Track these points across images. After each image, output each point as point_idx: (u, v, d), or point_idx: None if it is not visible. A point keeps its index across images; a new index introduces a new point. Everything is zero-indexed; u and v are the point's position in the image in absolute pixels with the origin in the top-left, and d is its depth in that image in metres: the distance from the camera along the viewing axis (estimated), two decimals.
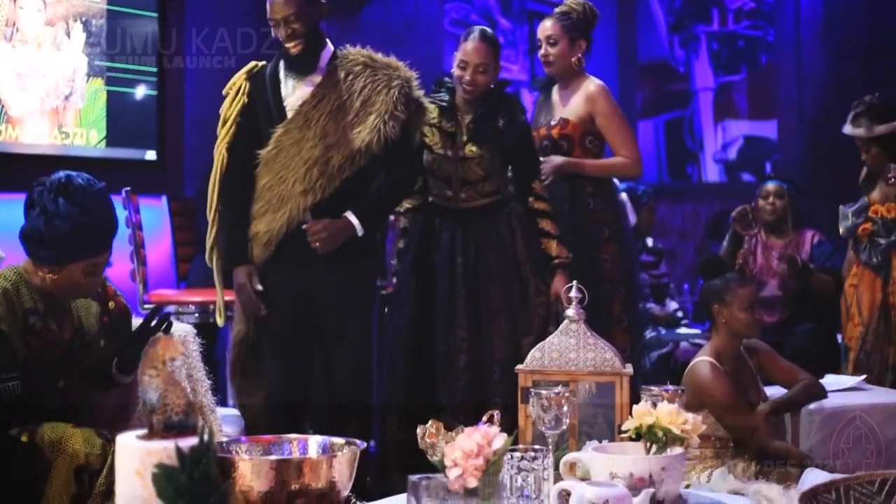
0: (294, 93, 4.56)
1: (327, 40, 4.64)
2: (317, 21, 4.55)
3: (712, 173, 10.14)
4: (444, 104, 4.95)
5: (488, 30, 5.00)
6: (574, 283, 3.34)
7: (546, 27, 5.30)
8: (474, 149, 4.88)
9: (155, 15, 6.42)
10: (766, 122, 9.94)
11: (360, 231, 4.53)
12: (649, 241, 7.41)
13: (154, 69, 6.45)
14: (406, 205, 5.07)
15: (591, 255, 5.13)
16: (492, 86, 4.93)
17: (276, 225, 4.46)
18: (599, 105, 5.28)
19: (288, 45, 4.52)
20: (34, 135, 5.89)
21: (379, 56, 4.63)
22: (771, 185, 6.47)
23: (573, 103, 5.29)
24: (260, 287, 4.47)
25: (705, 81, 10.23)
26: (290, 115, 4.56)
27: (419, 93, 4.64)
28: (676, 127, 10.34)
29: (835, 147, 8.62)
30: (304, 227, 4.47)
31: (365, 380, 4.64)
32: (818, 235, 6.41)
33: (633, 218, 6.64)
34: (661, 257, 7.50)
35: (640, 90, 10.51)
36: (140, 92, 6.44)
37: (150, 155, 6.57)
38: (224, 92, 4.69)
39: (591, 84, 5.31)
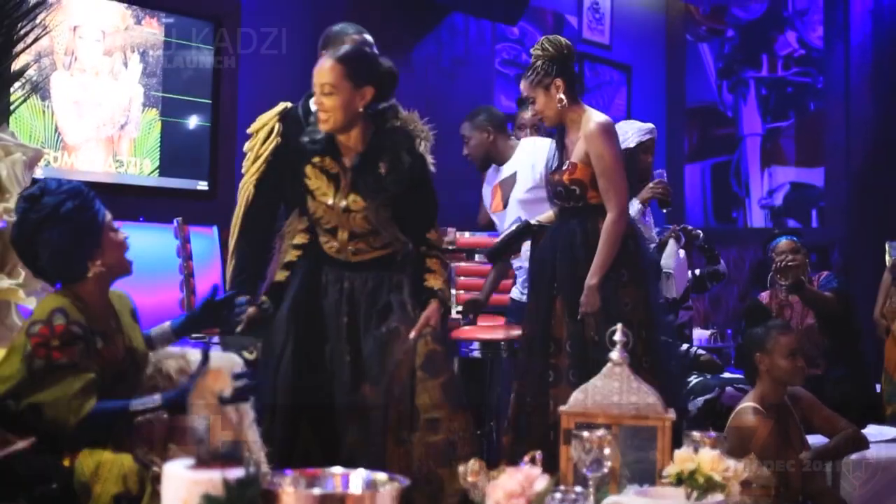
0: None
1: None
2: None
3: (758, 219, 10.12)
4: (318, 140, 4.44)
5: (349, 48, 4.40)
6: (619, 326, 3.35)
7: (521, 88, 5.16)
8: (358, 199, 4.39)
9: (210, 47, 6.51)
10: (812, 168, 9.92)
11: None
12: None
13: (208, 101, 6.53)
14: (297, 240, 4.62)
15: (611, 299, 5.07)
16: (374, 113, 4.39)
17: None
18: (593, 144, 4.97)
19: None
20: (89, 162, 5.97)
21: (400, 110, 4.57)
22: (784, 242, 6.45)
23: (578, 145, 5.04)
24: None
25: (753, 127, 10.23)
26: None
27: (428, 146, 4.59)
28: (723, 171, 10.33)
29: (881, 195, 8.62)
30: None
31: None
32: (825, 273, 6.48)
33: (677, 258, 6.53)
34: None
35: (688, 134, 10.52)
36: (193, 122, 6.51)
37: (202, 185, 6.63)
38: (252, 130, 4.73)
39: (591, 122, 5.00)
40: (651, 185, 5.89)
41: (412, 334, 4.26)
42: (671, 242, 6.09)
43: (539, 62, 5.04)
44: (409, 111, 4.65)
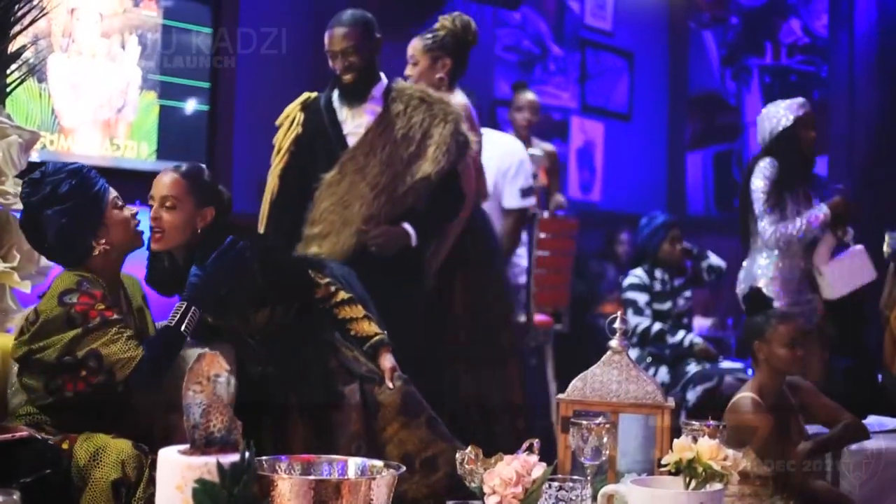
0: (353, 119, 4.79)
1: (381, 73, 4.84)
2: (373, 54, 4.78)
3: None
4: (161, 276, 4.06)
5: (191, 165, 4.02)
6: (618, 313, 3.33)
7: (410, 46, 5.20)
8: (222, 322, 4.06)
9: (209, 30, 6.46)
10: (816, 157, 9.86)
11: (414, 240, 4.74)
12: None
13: (206, 84, 6.49)
14: None
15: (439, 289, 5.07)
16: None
17: (340, 247, 4.59)
18: None
19: (344, 77, 4.73)
20: (85, 146, 5.93)
21: (431, 91, 4.84)
22: None
23: None
24: None
25: (756, 115, 10.17)
26: (350, 140, 4.77)
27: (465, 126, 4.80)
28: (725, 160, 10.29)
29: (885, 185, 8.59)
30: (362, 228, 4.60)
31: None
32: None
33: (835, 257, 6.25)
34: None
35: (690, 122, 10.48)
36: (191, 106, 6.47)
37: None
38: (278, 122, 4.90)
39: None
40: (836, 200, 5.80)
41: (388, 385, 4.08)
42: (823, 240, 5.86)
43: (442, 32, 5.09)
44: (443, 92, 4.81)
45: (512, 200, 6.31)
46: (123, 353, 3.35)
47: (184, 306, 3.53)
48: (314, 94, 4.94)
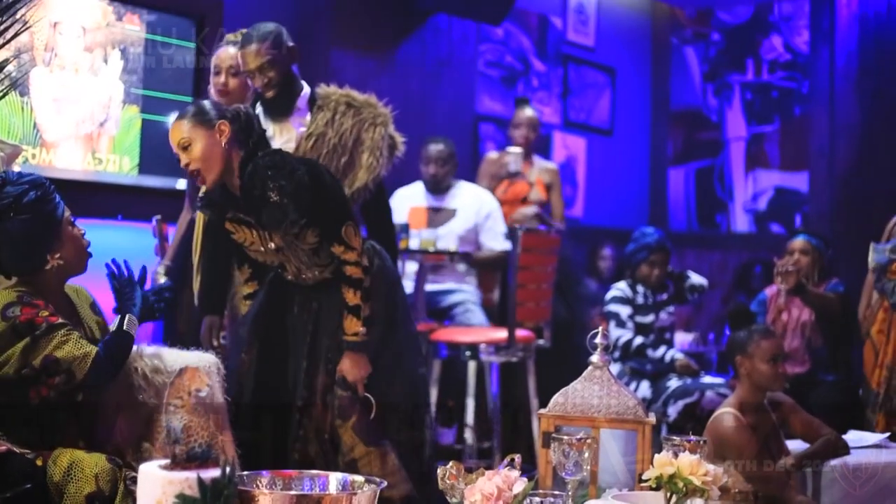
0: (282, 134, 4.74)
1: (303, 82, 4.80)
2: (289, 65, 4.72)
3: (741, 223, 10.12)
4: (212, 200, 4.32)
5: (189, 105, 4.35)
6: (600, 329, 3.33)
7: (215, 56, 5.14)
8: (277, 238, 4.24)
9: (192, 45, 6.47)
10: (797, 173, 9.91)
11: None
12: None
13: (189, 98, 6.49)
14: (246, 290, 4.61)
15: None
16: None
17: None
18: None
19: (266, 94, 4.70)
20: (68, 160, 5.92)
21: (356, 94, 4.78)
22: (796, 242, 6.47)
23: None
24: (222, 341, 4.57)
25: (737, 131, 10.22)
26: None
27: (392, 127, 4.79)
28: (707, 175, 10.32)
29: (865, 200, 8.62)
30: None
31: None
32: (833, 280, 6.45)
33: None
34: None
35: (672, 137, 10.51)
36: (174, 120, 6.47)
37: (181, 184, 6.57)
38: None
39: None
40: None
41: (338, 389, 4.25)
42: None
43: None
44: (368, 94, 4.76)
45: (497, 244, 6.81)
46: (78, 350, 3.32)
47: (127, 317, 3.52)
48: (241, 107, 4.85)
